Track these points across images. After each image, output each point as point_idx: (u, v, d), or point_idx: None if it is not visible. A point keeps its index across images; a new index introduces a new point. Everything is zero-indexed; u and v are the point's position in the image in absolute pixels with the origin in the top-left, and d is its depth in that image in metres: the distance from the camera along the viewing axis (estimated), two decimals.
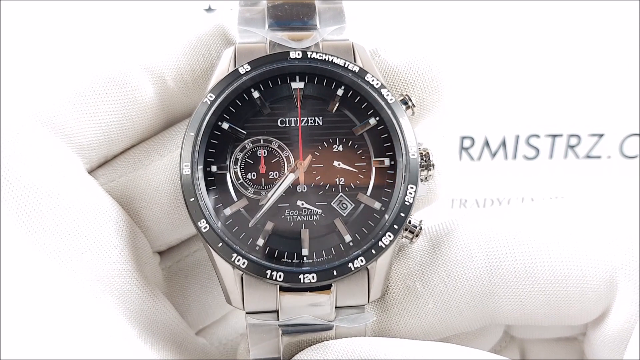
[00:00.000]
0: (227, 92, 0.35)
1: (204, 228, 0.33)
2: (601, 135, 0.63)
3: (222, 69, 0.35)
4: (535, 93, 0.62)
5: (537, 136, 0.63)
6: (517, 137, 0.63)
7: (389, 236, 0.34)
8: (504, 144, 0.64)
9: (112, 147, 0.37)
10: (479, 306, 0.35)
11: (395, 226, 0.34)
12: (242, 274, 0.34)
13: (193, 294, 0.40)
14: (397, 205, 0.35)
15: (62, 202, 0.33)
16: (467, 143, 0.64)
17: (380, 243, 0.34)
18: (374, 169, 0.36)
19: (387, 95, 0.36)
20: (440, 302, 0.36)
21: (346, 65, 0.36)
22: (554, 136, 0.63)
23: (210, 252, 0.34)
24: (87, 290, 0.32)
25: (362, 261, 0.34)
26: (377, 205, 0.36)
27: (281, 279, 0.33)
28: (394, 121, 0.36)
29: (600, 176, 0.65)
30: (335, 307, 0.34)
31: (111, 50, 0.36)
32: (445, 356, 0.31)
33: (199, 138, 0.34)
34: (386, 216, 0.35)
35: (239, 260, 0.33)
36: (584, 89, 0.61)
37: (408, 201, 0.35)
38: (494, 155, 0.64)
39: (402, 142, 0.35)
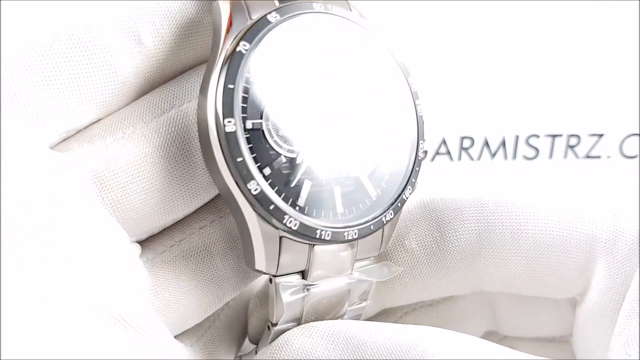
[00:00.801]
0: (258, 42, 0.32)
1: (255, 190, 0.31)
2: (601, 135, 0.63)
3: (239, 14, 0.32)
4: (535, 93, 0.62)
5: (537, 136, 0.63)
6: (517, 137, 0.63)
7: (409, 189, 0.36)
8: (503, 144, 0.64)
9: (76, 119, 0.32)
10: (468, 267, 0.37)
11: (413, 179, 0.36)
12: (281, 237, 0.32)
13: (181, 291, 0.35)
14: (412, 159, 0.36)
15: (11, 186, 0.28)
16: (467, 143, 0.64)
17: (403, 196, 0.35)
18: None
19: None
20: (434, 262, 0.37)
21: (361, 24, 0.36)
22: (554, 136, 0.63)
23: (250, 217, 0.32)
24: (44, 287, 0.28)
25: (391, 214, 0.35)
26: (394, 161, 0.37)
27: (329, 237, 0.32)
28: (405, 78, 0.36)
29: (600, 176, 0.65)
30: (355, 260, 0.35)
31: (77, 4, 0.32)
32: (430, 338, 0.31)
33: (239, 90, 0.31)
34: (405, 170, 0.36)
35: (290, 222, 0.31)
36: (584, 89, 0.61)
37: (420, 156, 0.36)
38: (494, 155, 0.64)
39: (412, 100, 0.37)
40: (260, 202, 0.31)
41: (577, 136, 0.63)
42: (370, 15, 0.39)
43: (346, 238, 0.33)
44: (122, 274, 0.32)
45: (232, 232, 0.37)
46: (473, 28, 0.59)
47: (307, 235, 0.32)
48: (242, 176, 0.31)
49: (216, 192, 0.35)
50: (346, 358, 0.31)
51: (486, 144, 0.64)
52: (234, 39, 0.32)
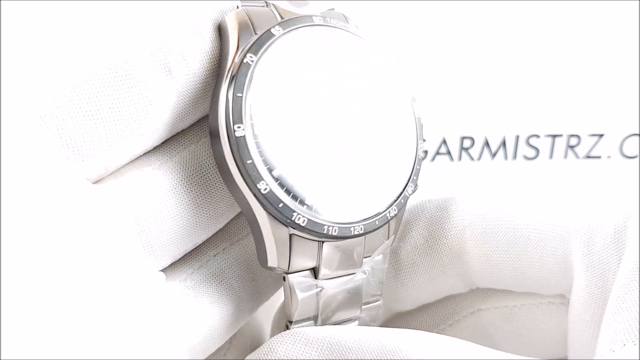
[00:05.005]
0: (263, 53, 0.35)
1: (264, 190, 0.33)
2: (601, 135, 0.63)
3: (245, 30, 0.35)
4: (535, 93, 0.62)
5: (537, 136, 0.63)
6: (517, 137, 0.63)
7: (411, 186, 0.38)
8: (504, 144, 0.64)
9: (116, 154, 0.33)
10: (457, 264, 0.39)
11: (415, 177, 0.38)
12: (291, 234, 0.34)
13: (204, 315, 0.37)
14: (413, 158, 0.38)
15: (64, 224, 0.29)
16: (467, 143, 0.64)
17: (405, 193, 0.37)
18: None
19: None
20: (427, 261, 0.40)
21: (358, 35, 0.38)
22: (554, 136, 0.63)
23: (261, 216, 0.34)
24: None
25: (395, 210, 0.37)
26: (396, 160, 0.38)
27: (336, 233, 0.35)
28: (402, 83, 0.38)
29: (600, 176, 0.65)
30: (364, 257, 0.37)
31: (105, 33, 0.32)
32: (416, 341, 0.32)
33: (246, 99, 0.34)
34: (407, 169, 0.38)
35: (299, 219, 0.34)
36: (584, 89, 0.61)
37: (420, 155, 0.38)
38: (494, 155, 0.64)
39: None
40: (269, 200, 0.33)
41: (577, 136, 0.63)
42: (366, 25, 0.40)
43: (353, 233, 0.35)
44: (146, 305, 0.32)
45: (244, 257, 0.39)
46: (473, 28, 0.59)
47: (315, 231, 0.34)
48: (252, 177, 0.33)
49: (231, 216, 0.38)
50: None
51: (486, 144, 0.64)
52: (242, 52, 0.34)
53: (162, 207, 0.35)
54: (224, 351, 0.42)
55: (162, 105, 0.33)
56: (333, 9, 0.39)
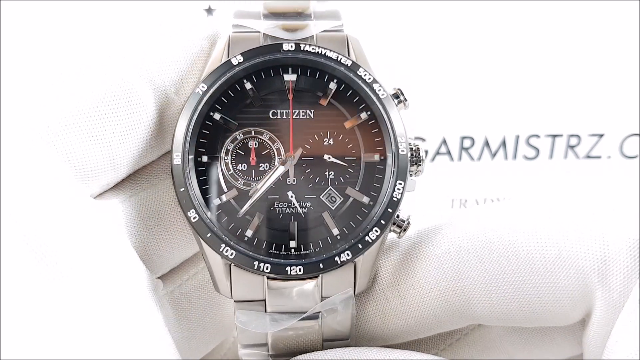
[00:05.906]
0: (219, 82, 0.35)
1: (193, 218, 0.34)
2: (601, 135, 0.63)
3: (216, 58, 0.35)
4: (535, 93, 0.62)
5: (537, 136, 0.63)
6: (517, 137, 0.63)
7: (376, 231, 0.35)
8: (504, 144, 0.64)
9: (116, 173, 0.34)
10: (455, 312, 0.36)
11: (383, 221, 0.35)
12: (230, 264, 0.34)
13: (198, 317, 0.38)
14: (385, 200, 0.35)
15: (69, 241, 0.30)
16: (467, 143, 0.64)
17: (367, 238, 0.35)
18: (363, 164, 0.36)
19: (379, 90, 0.36)
20: (416, 310, 0.37)
21: (339, 59, 0.36)
22: (554, 136, 0.63)
23: (199, 242, 0.34)
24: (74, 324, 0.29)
25: (348, 255, 0.35)
26: (365, 199, 0.36)
27: (268, 271, 0.34)
28: (385, 116, 0.36)
29: (600, 176, 0.65)
30: (322, 297, 0.35)
31: (109, 57, 0.33)
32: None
33: (191, 128, 0.34)
34: (374, 211, 0.36)
35: (227, 251, 0.34)
36: (584, 89, 0.61)
37: (396, 197, 0.35)
38: (494, 155, 0.64)
39: (392, 137, 0.36)
40: (196, 229, 0.34)
41: (577, 136, 0.63)
42: (366, 26, 0.39)
43: (289, 274, 0.34)
44: (137, 308, 0.33)
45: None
46: (473, 28, 0.59)
47: (245, 265, 0.34)
48: (182, 205, 0.34)
49: None
50: None
51: (486, 144, 0.64)
52: (201, 78, 0.35)
53: (158, 222, 0.36)
54: (224, 350, 0.42)
55: (161, 129, 0.35)
56: (341, 29, 0.37)
